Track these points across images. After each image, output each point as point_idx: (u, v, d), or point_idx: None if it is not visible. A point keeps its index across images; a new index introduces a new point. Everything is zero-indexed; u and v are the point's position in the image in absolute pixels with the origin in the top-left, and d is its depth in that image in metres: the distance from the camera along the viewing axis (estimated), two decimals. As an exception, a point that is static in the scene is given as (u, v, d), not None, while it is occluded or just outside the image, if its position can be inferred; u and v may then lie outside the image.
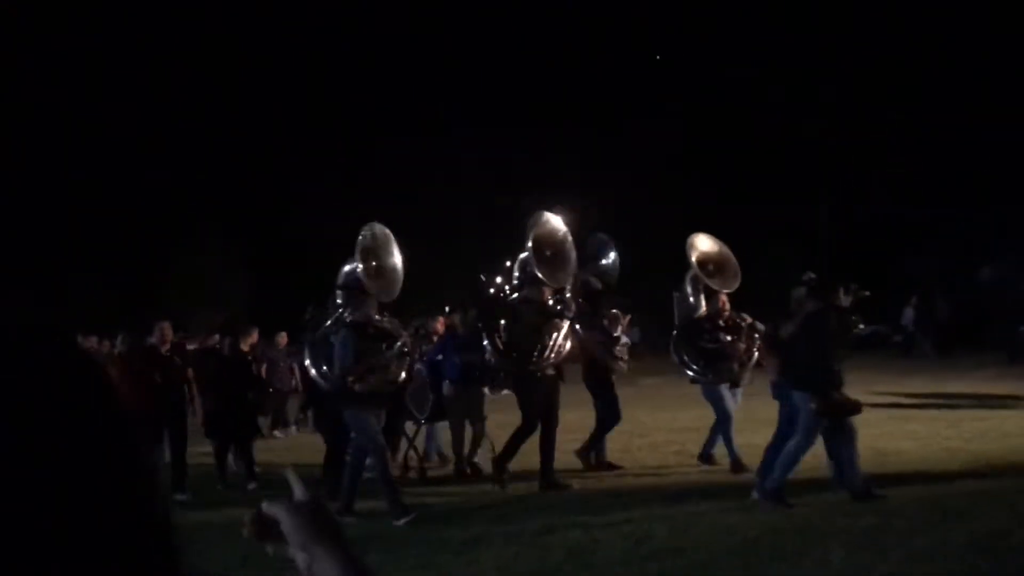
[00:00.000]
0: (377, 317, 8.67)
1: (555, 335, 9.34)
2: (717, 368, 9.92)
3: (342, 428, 8.79)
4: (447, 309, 11.64)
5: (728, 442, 9.68)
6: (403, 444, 10.58)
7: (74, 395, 0.83)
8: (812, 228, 33.63)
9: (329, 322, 9.22)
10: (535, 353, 9.28)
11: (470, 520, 7.88)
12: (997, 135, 28.99)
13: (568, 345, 9.51)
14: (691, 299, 10.33)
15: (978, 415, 12.41)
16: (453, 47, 34.51)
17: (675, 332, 10.50)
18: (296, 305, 11.39)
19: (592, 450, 10.29)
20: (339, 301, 9.20)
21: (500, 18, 34.88)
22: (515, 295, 9.70)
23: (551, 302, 9.42)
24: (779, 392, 8.51)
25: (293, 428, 14.80)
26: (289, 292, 21.19)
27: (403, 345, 8.60)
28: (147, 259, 30.58)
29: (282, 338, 14.96)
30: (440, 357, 10.47)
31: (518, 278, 9.78)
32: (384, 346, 8.47)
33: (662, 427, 12.84)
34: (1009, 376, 17.53)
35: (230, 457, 10.61)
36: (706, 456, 10.02)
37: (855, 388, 15.86)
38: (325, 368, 9.12)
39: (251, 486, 9.87)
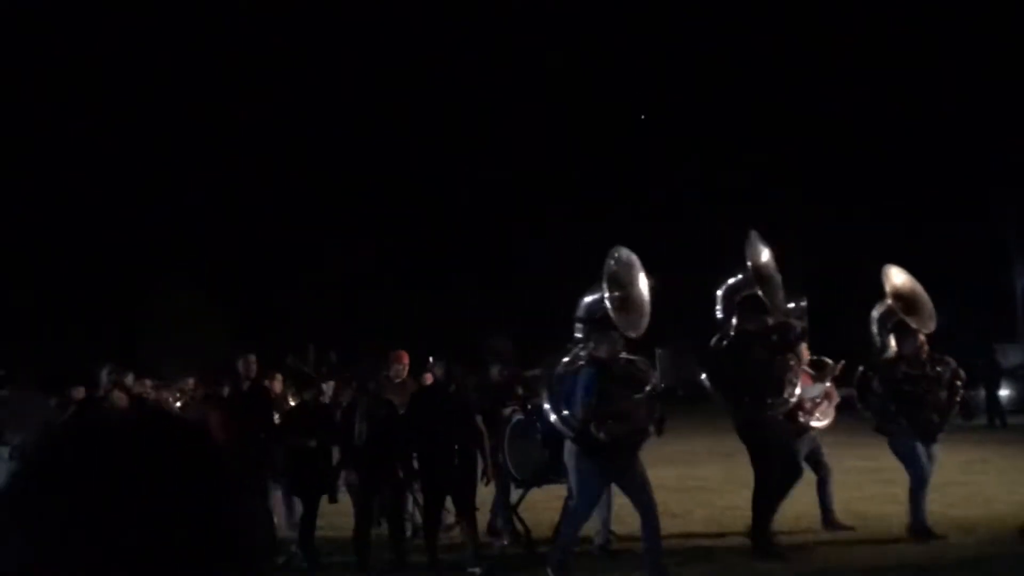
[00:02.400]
0: (624, 355, 7.55)
1: (787, 370, 8.30)
2: (913, 417, 8.68)
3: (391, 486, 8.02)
4: (431, 359, 9.96)
5: (916, 504, 8.68)
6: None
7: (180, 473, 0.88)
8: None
9: (566, 359, 8.05)
10: (769, 393, 8.18)
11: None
12: None
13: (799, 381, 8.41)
14: (878, 338, 9.25)
15: (961, 480, 12.29)
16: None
17: (861, 372, 9.39)
18: (276, 352, 11.21)
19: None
20: (577, 335, 8.16)
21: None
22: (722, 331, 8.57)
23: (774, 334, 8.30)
24: None
25: None
26: (267, 339, 20.96)
27: (653, 388, 7.55)
28: (120, 304, 30.29)
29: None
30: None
31: (723, 308, 8.66)
32: (631, 389, 7.37)
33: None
34: (989, 440, 17.45)
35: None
36: (919, 528, 8.66)
37: (839, 449, 15.79)
38: (566, 412, 7.73)
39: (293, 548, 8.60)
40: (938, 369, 8.82)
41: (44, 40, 31.30)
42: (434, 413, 8.04)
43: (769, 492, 8.17)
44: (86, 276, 30.25)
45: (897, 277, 9.36)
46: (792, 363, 8.35)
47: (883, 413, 8.88)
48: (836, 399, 9.48)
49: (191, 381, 11.48)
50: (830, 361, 9.37)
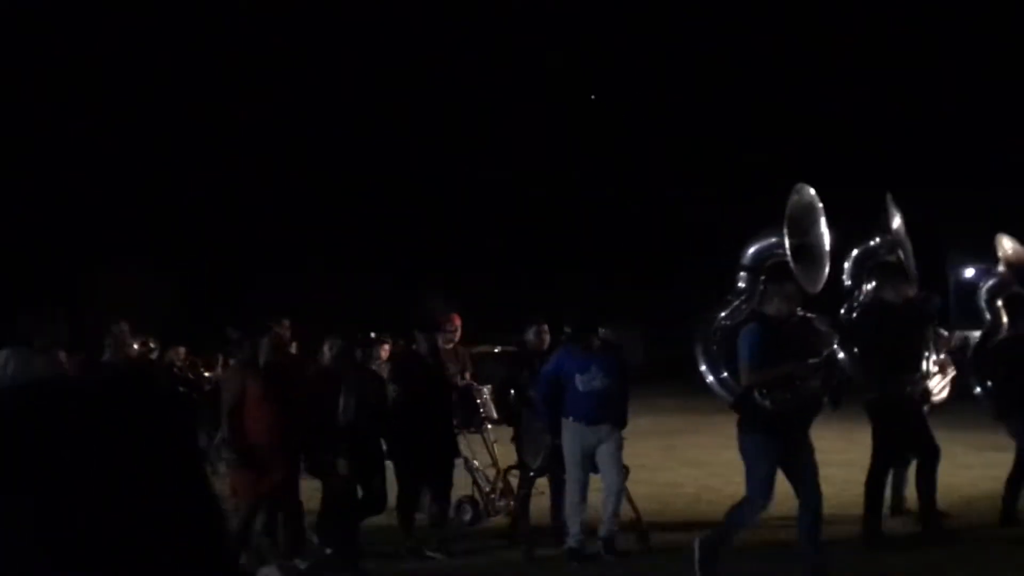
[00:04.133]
0: (800, 312, 6.53)
1: (925, 345, 7.70)
2: None
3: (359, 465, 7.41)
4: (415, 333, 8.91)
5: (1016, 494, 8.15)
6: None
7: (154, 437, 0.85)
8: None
9: (724, 313, 7.23)
10: (906, 369, 7.49)
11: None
12: None
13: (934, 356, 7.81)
14: (986, 314, 8.50)
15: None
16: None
17: (974, 351, 8.76)
18: (220, 323, 11.04)
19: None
20: (740, 285, 7.33)
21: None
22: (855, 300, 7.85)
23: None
24: None
25: None
26: (215, 310, 20.80)
27: (831, 354, 6.68)
28: (65, 275, 29.82)
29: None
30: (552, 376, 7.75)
31: (853, 275, 7.93)
32: (804, 352, 6.42)
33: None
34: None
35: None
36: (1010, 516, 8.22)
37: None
38: (725, 375, 7.11)
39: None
40: None
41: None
42: (417, 386, 7.77)
43: (882, 476, 7.68)
44: (27, 250, 29.74)
45: (1009, 244, 8.68)
46: (930, 337, 7.85)
47: (1006, 397, 8.17)
48: (951, 372, 8.95)
49: (182, 350, 11.11)
50: (945, 332, 8.78)
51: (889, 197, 8.12)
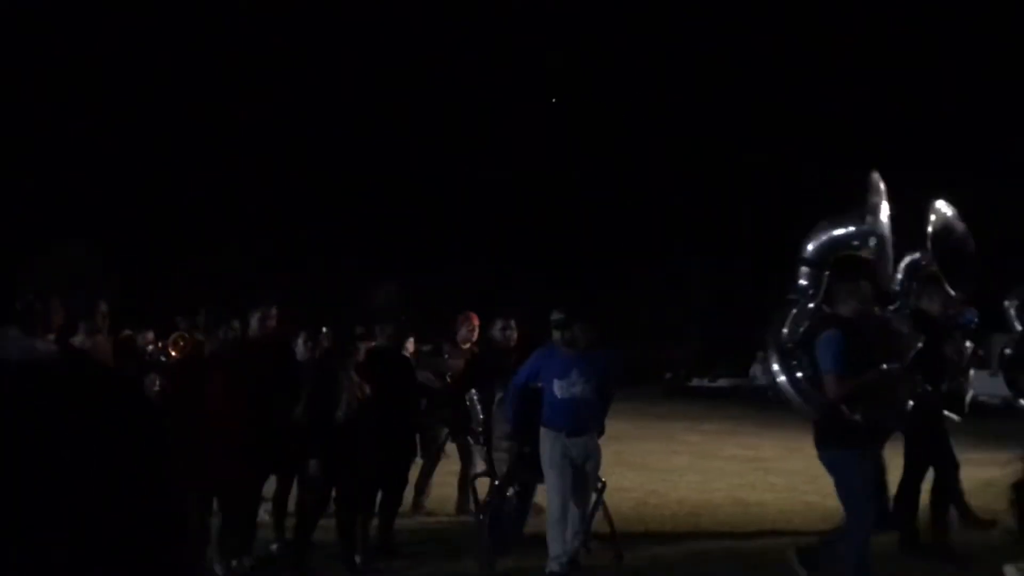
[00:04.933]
0: (877, 311, 6.04)
1: (962, 356, 7.49)
2: None
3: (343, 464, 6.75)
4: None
5: None
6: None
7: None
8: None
9: (794, 312, 6.58)
10: (943, 378, 7.16)
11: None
12: None
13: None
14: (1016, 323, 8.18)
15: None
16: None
17: (1008, 352, 8.53)
18: (168, 303, 10.64)
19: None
20: (802, 282, 6.74)
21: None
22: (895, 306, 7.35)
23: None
24: None
25: None
26: (160, 290, 20.43)
27: (917, 357, 6.14)
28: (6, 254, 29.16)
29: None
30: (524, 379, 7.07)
31: (903, 282, 7.42)
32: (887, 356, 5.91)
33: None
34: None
35: None
36: None
37: (720, 439, 16.19)
38: (806, 386, 6.52)
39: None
40: None
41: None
42: (388, 380, 7.17)
43: (917, 485, 7.27)
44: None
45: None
46: (967, 349, 7.54)
47: None
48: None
49: (150, 334, 10.40)
50: (969, 344, 8.33)
51: (940, 203, 7.60)
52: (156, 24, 31.78)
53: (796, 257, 6.87)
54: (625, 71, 34.36)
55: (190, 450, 5.87)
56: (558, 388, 6.71)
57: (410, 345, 9.09)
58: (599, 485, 7.23)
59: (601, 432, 7.13)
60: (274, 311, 7.48)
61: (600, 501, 7.28)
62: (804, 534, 8.46)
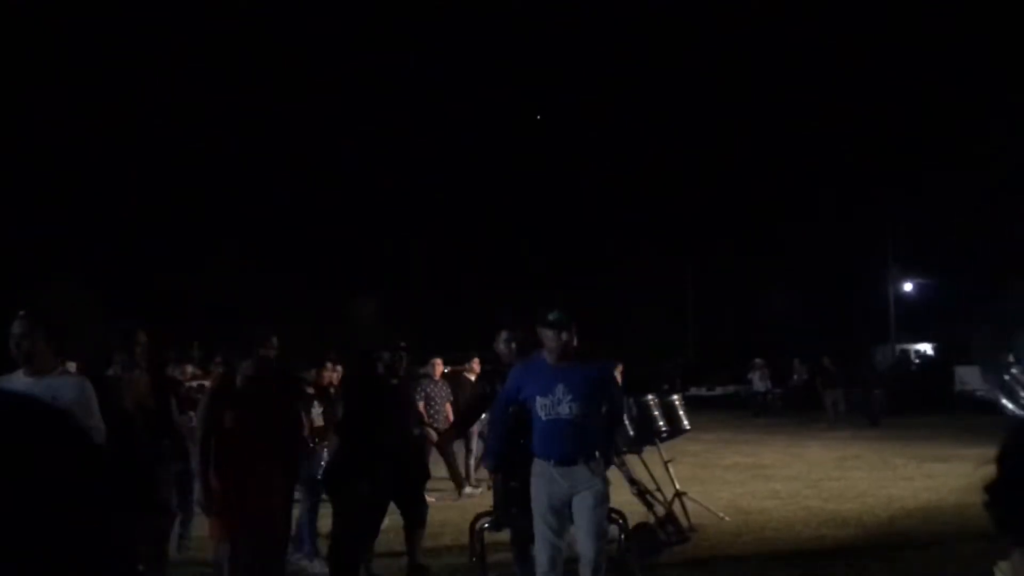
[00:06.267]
0: None
1: None
2: None
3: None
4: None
5: None
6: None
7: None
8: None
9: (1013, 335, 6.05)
10: None
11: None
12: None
13: None
14: None
15: (835, 475, 12.82)
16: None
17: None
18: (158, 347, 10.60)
19: None
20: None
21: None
22: None
23: None
24: None
25: None
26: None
27: None
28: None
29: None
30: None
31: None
32: None
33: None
34: (862, 438, 18.22)
35: None
36: None
37: (721, 448, 16.20)
38: None
39: None
40: None
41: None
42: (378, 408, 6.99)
43: None
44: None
45: None
46: None
47: None
48: None
49: (189, 368, 10.11)
50: None
51: None
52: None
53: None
54: (614, 87, 34.65)
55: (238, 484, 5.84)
56: (541, 407, 5.61)
57: (475, 365, 8.92)
58: (620, 522, 6.65)
59: (609, 461, 5.99)
60: (274, 340, 7.40)
61: (622, 539, 6.71)
62: (805, 537, 8.54)
